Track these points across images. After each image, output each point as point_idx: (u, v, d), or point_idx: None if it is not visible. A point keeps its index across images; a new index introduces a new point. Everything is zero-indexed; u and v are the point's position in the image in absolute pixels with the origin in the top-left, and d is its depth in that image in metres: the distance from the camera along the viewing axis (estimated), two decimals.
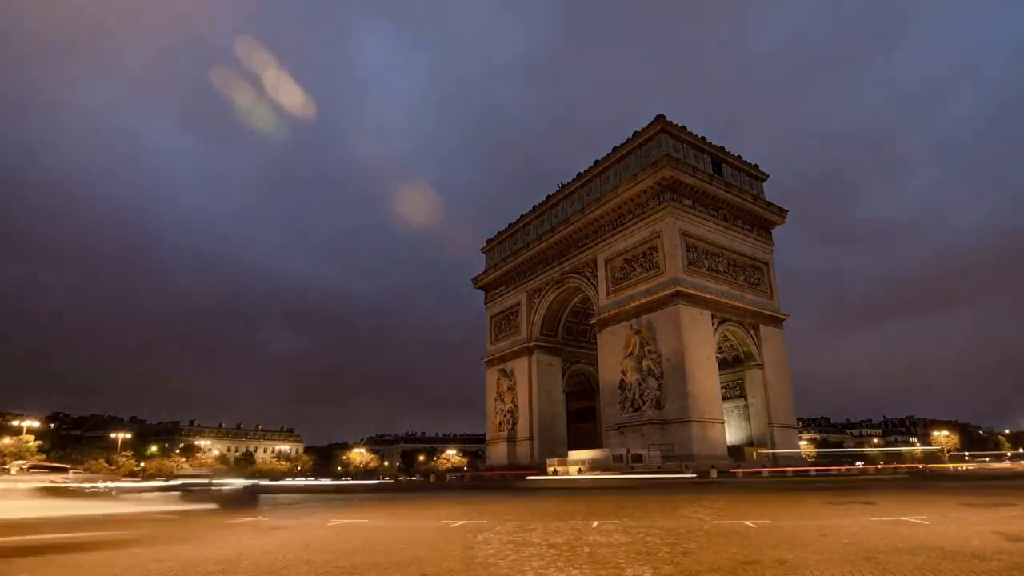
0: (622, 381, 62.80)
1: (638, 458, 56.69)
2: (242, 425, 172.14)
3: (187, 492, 20.81)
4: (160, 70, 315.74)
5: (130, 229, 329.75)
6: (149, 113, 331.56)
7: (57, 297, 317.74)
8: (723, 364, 62.63)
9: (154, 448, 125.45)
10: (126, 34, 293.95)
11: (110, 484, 19.32)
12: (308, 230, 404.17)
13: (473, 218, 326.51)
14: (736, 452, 59.51)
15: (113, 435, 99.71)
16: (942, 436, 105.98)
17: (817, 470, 60.03)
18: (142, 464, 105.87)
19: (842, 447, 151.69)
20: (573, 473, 60.29)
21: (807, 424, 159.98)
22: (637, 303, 62.66)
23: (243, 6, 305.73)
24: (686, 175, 62.89)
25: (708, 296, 61.28)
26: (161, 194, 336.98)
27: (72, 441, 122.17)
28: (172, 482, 25.48)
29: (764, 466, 56.64)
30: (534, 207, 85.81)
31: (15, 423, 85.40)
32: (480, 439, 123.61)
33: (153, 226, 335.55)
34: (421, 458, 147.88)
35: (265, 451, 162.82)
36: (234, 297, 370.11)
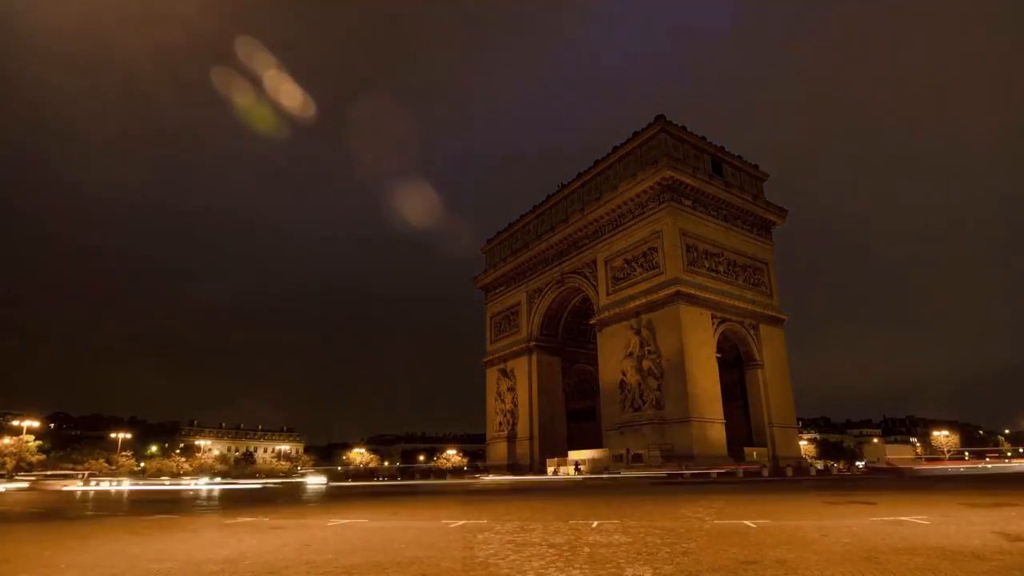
0: (622, 381, 62.81)
1: (638, 458, 56.73)
2: (242, 425, 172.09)
3: None
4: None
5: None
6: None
7: (57, 296, 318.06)
8: (723, 364, 62.64)
9: (154, 448, 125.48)
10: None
11: None
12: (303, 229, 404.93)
13: (474, 217, 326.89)
14: (736, 452, 59.51)
15: (113, 435, 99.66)
16: (942, 436, 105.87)
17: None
18: (142, 464, 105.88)
19: (841, 447, 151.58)
20: (571, 473, 60.31)
21: (807, 424, 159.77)
22: (637, 303, 62.65)
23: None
24: (686, 175, 62.89)
25: (708, 296, 61.27)
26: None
27: (72, 441, 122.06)
28: None
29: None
30: (534, 207, 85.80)
31: (15, 423, 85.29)
32: (480, 439, 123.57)
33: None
34: (421, 458, 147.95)
35: (265, 451, 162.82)
36: (244, 297, 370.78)
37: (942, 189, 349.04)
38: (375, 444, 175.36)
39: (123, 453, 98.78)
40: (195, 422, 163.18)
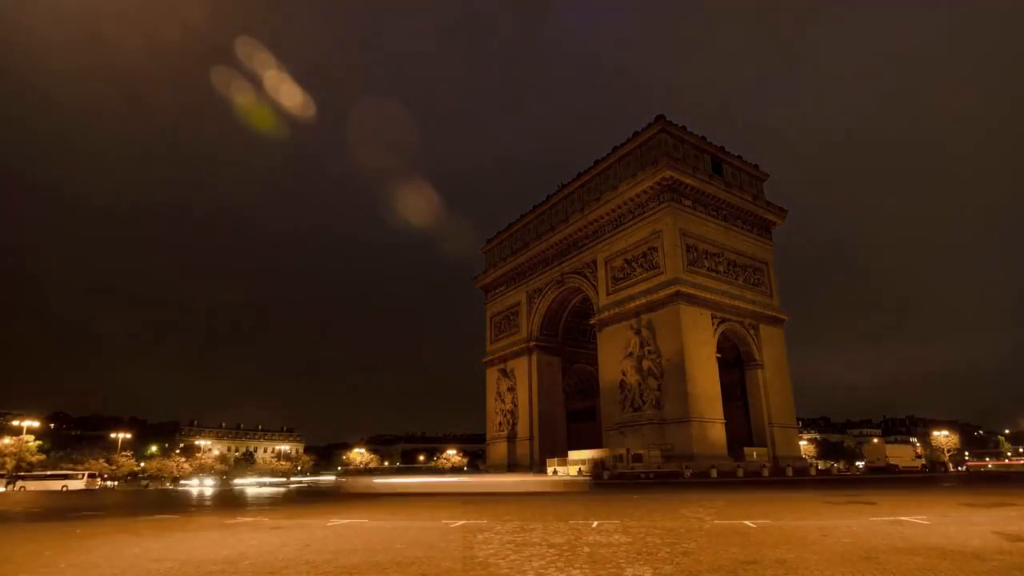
0: (622, 381, 62.79)
1: (638, 458, 56.69)
2: (242, 425, 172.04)
3: None
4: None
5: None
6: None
7: (57, 296, 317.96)
8: (723, 364, 62.66)
9: (154, 448, 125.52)
10: None
11: None
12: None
13: (475, 216, 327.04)
14: (736, 452, 59.51)
15: (113, 435, 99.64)
16: (942, 436, 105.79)
17: None
18: (142, 464, 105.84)
19: (841, 447, 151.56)
20: (573, 473, 60.23)
21: (807, 424, 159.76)
22: (637, 303, 62.64)
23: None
24: (686, 175, 62.87)
25: (708, 296, 61.25)
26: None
27: (72, 441, 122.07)
28: None
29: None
30: (534, 207, 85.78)
31: (15, 423, 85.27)
32: (480, 439, 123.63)
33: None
34: (421, 458, 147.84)
35: (265, 451, 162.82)
36: (244, 298, 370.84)
37: (942, 190, 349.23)
38: (375, 444, 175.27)
39: (123, 453, 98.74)
40: (195, 422, 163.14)
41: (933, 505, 18.05)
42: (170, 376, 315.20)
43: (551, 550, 9.87)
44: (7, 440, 79.32)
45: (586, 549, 9.92)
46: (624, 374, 62.59)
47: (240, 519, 18.41)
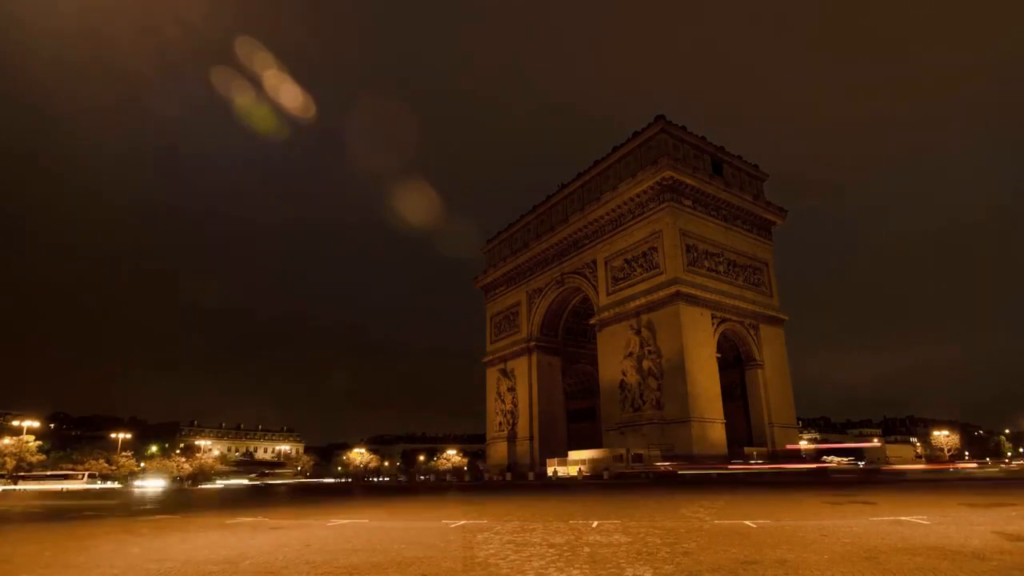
0: (622, 381, 62.77)
1: (638, 458, 56.65)
2: (242, 425, 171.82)
3: None
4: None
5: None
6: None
7: (57, 296, 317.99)
8: (723, 364, 62.67)
9: (154, 448, 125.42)
10: None
11: None
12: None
13: (476, 216, 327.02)
14: (736, 452, 59.48)
15: (113, 435, 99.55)
16: (942, 436, 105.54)
17: None
18: (142, 464, 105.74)
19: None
20: (573, 473, 60.16)
21: (807, 424, 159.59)
22: (637, 303, 62.63)
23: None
24: (686, 175, 62.86)
25: (708, 296, 61.24)
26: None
27: (72, 441, 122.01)
28: None
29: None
30: (534, 207, 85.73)
31: (15, 423, 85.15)
32: (480, 439, 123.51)
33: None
34: (421, 458, 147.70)
35: (265, 451, 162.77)
36: (244, 298, 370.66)
37: (944, 189, 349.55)
38: (375, 444, 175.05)
39: (123, 453, 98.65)
40: (195, 422, 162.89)
41: (933, 505, 18.05)
42: (170, 377, 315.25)
43: (551, 550, 9.87)
44: (7, 440, 79.17)
45: (586, 549, 9.92)
46: (624, 374, 62.57)
47: (241, 519, 18.42)
